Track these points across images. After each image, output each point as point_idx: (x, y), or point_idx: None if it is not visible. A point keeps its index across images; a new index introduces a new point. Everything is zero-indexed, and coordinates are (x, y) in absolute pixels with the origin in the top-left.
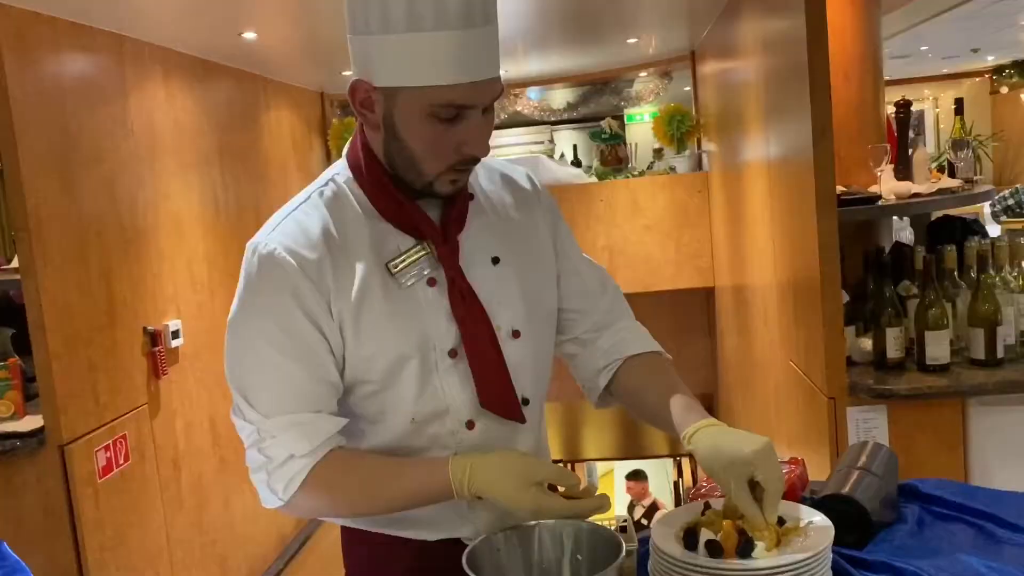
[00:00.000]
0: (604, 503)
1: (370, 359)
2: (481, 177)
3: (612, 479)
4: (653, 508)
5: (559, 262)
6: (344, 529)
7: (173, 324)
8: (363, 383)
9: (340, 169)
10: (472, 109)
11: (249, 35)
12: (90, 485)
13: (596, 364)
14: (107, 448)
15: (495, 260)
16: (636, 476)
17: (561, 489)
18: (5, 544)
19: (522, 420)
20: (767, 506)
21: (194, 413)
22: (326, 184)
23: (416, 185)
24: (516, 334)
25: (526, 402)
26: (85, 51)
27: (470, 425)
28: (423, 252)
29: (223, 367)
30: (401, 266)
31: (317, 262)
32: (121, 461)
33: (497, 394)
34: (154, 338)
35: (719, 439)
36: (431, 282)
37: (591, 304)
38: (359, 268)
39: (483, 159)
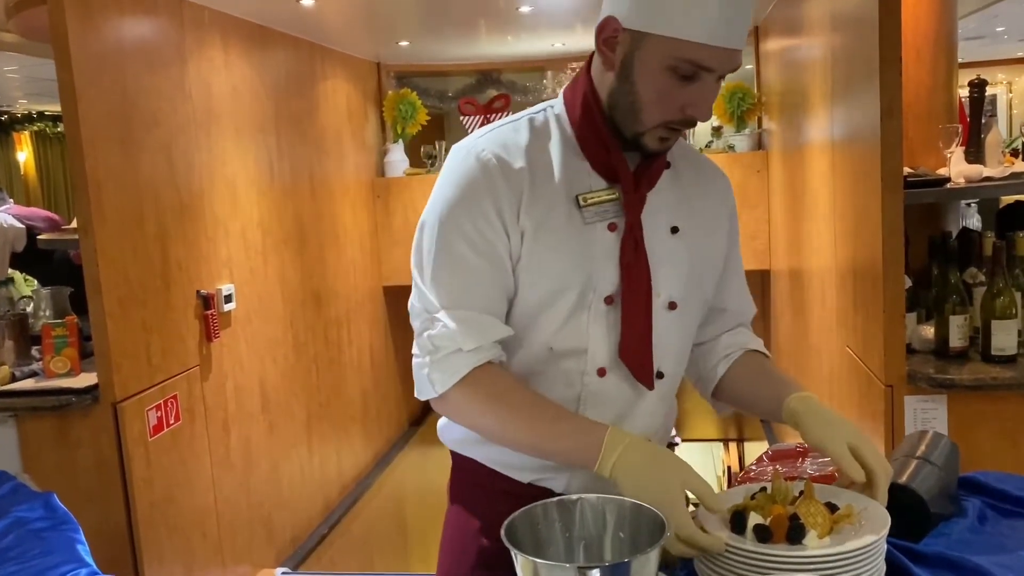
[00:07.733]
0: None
1: (531, 279)
2: (681, 152)
3: None
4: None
5: (728, 260)
6: (455, 456)
7: (226, 288)
8: (518, 299)
9: (555, 103)
10: (710, 73)
11: (307, 1)
12: (141, 443)
13: (717, 356)
14: (158, 407)
15: (674, 229)
16: None
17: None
18: (55, 496)
19: (650, 386)
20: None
21: (244, 377)
22: (539, 112)
23: (627, 133)
24: (672, 305)
25: (660, 375)
26: (146, 15)
27: (601, 372)
28: (612, 196)
29: (275, 333)
30: (590, 201)
31: (519, 171)
32: (172, 421)
33: (636, 352)
34: (207, 301)
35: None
36: (611, 227)
37: (738, 306)
38: (551, 191)
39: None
